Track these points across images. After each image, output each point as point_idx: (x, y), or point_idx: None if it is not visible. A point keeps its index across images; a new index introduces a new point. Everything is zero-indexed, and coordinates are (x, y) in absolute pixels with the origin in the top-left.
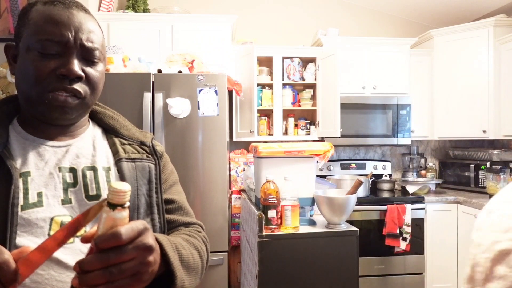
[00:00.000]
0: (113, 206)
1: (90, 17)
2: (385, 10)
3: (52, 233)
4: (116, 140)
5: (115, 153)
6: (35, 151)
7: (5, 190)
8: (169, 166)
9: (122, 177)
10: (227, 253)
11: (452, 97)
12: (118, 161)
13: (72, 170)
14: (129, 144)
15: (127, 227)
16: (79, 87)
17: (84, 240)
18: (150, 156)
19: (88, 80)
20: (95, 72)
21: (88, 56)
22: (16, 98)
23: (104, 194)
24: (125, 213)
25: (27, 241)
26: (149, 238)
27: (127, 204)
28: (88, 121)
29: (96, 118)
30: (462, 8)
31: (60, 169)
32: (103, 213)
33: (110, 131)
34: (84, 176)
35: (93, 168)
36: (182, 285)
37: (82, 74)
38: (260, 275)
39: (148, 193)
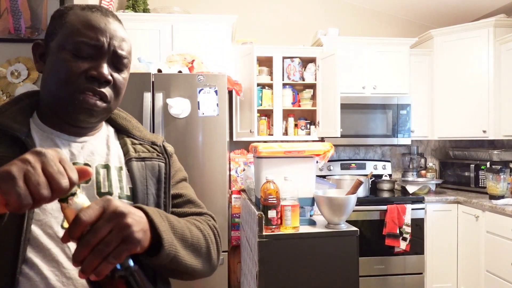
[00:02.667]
0: (64, 199)
1: (123, 27)
2: (385, 10)
3: (65, 224)
4: (128, 140)
5: (125, 153)
6: (53, 143)
7: None
8: (177, 164)
9: (132, 177)
10: (227, 253)
11: (452, 97)
12: (128, 161)
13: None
14: (140, 144)
15: (85, 209)
16: (106, 91)
17: (64, 240)
18: (160, 155)
19: (114, 85)
20: (121, 78)
21: (117, 63)
22: (36, 94)
23: (116, 192)
24: (79, 199)
25: (40, 231)
26: (115, 206)
27: (76, 190)
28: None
29: (109, 118)
30: (462, 8)
31: (74, 164)
32: (63, 210)
33: (122, 132)
34: (97, 173)
35: (107, 167)
36: (176, 254)
37: (111, 78)
38: (260, 275)
39: (157, 192)
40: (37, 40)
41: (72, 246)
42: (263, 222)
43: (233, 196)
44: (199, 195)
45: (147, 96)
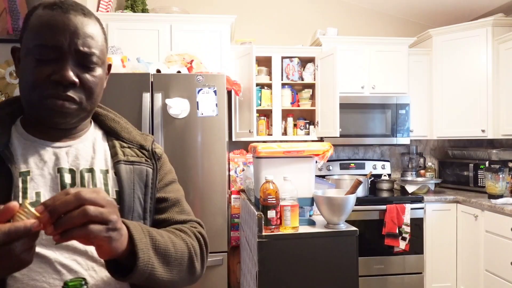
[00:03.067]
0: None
1: (89, 21)
2: (384, 10)
3: None
4: (116, 143)
5: (113, 155)
6: (36, 151)
7: (6, 190)
8: (167, 166)
9: (119, 180)
10: (226, 253)
11: (451, 97)
12: (116, 163)
13: (71, 172)
14: (129, 147)
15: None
16: (74, 94)
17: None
18: (148, 160)
19: (83, 86)
20: (91, 77)
21: (84, 62)
22: (18, 100)
23: None
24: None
25: None
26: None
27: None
28: (90, 122)
29: (98, 120)
30: (460, 7)
31: (59, 170)
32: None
33: (111, 134)
34: (82, 177)
35: (91, 170)
36: (152, 271)
37: (76, 80)
38: (259, 276)
39: (144, 197)
40: (14, 45)
41: (59, 250)
42: (263, 222)
43: (233, 196)
44: (199, 195)
45: (146, 96)
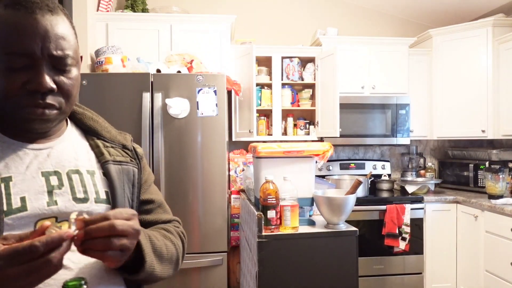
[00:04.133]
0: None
1: (58, 19)
2: (384, 10)
3: None
4: (99, 142)
5: (99, 155)
6: (15, 154)
7: None
8: (147, 167)
9: (109, 180)
10: (226, 253)
11: (451, 97)
12: (104, 164)
13: (57, 173)
14: (112, 147)
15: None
16: (53, 100)
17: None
18: (133, 160)
19: (61, 90)
20: (67, 80)
21: (59, 65)
22: None
23: (92, 197)
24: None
25: None
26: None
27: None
28: (66, 121)
29: (75, 119)
30: (461, 7)
31: (43, 173)
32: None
33: (90, 133)
34: (69, 179)
35: (78, 172)
36: (152, 271)
37: (54, 86)
38: (259, 276)
39: (131, 197)
40: None
41: None
42: (263, 222)
43: (232, 196)
44: (198, 195)
45: (146, 96)
